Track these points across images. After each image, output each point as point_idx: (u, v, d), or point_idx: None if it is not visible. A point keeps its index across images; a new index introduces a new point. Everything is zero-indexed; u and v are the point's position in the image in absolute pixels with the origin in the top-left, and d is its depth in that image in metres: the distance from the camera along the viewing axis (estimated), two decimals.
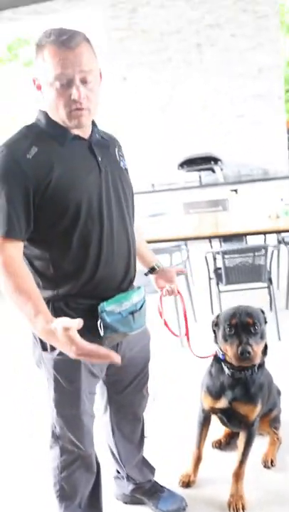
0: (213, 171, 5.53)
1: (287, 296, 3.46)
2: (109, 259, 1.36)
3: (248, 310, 1.70)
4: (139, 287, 1.47)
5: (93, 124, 1.41)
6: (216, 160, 5.48)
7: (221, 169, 5.54)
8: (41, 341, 1.37)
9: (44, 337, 1.18)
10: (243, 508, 1.75)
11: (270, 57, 5.61)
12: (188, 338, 1.75)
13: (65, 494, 1.52)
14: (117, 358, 1.15)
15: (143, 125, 5.95)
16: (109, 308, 1.34)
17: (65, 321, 1.12)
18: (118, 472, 1.80)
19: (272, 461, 1.97)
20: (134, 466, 1.76)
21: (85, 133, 1.37)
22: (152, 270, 1.69)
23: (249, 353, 1.61)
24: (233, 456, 1.87)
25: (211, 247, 4.03)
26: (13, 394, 2.80)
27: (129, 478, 1.77)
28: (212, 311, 3.46)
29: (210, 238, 3.70)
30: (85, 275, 1.34)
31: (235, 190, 4.52)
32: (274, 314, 3.03)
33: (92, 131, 1.39)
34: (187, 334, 1.75)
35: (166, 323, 1.74)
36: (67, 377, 1.39)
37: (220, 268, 3.14)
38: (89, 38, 1.31)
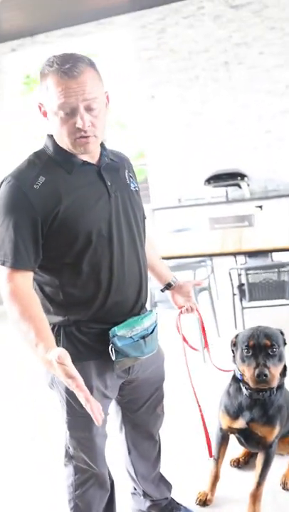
0: (240, 186, 5.53)
1: None
2: (120, 285, 1.36)
3: (266, 331, 1.68)
4: (150, 311, 1.47)
5: (102, 146, 1.39)
6: (242, 176, 5.47)
7: (248, 185, 5.53)
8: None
9: (44, 366, 1.17)
10: None
11: None
12: (208, 350, 1.75)
13: (79, 511, 1.54)
14: (98, 421, 1.11)
15: (171, 141, 6.03)
16: (121, 332, 1.34)
17: (59, 353, 1.10)
18: (135, 489, 1.80)
19: None
20: (150, 483, 1.76)
21: (93, 158, 1.36)
22: (168, 286, 1.68)
23: (266, 375, 1.59)
24: (251, 476, 1.84)
25: (236, 262, 4.01)
26: (23, 405, 2.86)
27: (145, 494, 1.77)
28: (235, 327, 3.43)
29: (234, 254, 3.69)
30: (95, 301, 1.34)
31: (260, 207, 4.50)
32: None
33: (100, 155, 1.37)
34: (207, 346, 1.74)
35: (184, 339, 1.72)
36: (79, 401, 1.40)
37: (244, 284, 3.13)
38: (94, 62, 1.30)
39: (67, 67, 1.21)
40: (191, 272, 3.20)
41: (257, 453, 1.85)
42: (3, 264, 1.25)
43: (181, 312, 1.68)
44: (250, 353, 1.65)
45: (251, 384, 1.65)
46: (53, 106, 1.24)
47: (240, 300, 3.17)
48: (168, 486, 1.82)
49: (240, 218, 4.37)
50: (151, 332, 1.43)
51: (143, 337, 1.39)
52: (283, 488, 1.93)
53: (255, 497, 1.78)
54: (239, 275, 3.30)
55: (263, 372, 1.59)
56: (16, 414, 2.72)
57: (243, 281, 3.12)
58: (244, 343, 1.67)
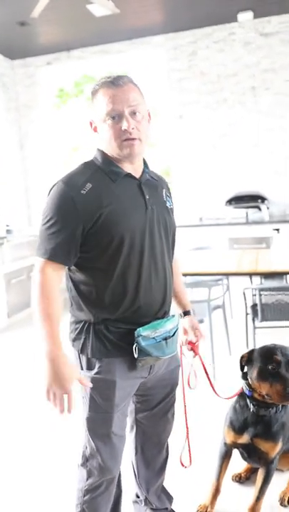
0: (260, 208, 5.61)
1: None
2: (147, 291, 1.45)
3: (287, 349, 1.73)
4: (173, 316, 1.56)
5: (145, 165, 1.52)
6: (262, 198, 5.56)
7: (267, 208, 5.60)
8: (80, 360, 1.48)
9: (45, 358, 1.33)
10: None
11: None
12: (212, 386, 1.81)
13: None
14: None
15: (196, 161, 6.16)
16: (145, 333, 1.43)
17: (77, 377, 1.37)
18: (137, 496, 1.85)
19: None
20: (153, 492, 1.81)
21: (136, 172, 1.48)
22: (185, 313, 1.76)
23: None
24: (251, 491, 1.90)
25: (251, 282, 4.08)
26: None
27: (147, 502, 1.82)
28: (247, 346, 3.49)
29: (250, 275, 3.76)
30: (123, 303, 1.43)
31: (278, 230, 4.57)
32: None
33: (142, 172, 1.50)
34: (211, 385, 1.81)
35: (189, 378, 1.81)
36: (103, 395, 1.46)
37: (257, 304, 3.20)
38: (136, 82, 1.46)
39: (114, 78, 1.40)
40: (206, 289, 3.28)
41: (258, 468, 1.91)
42: (41, 257, 1.38)
43: (183, 344, 1.75)
44: (275, 369, 1.67)
45: (278, 400, 1.67)
46: (102, 114, 1.40)
47: (253, 320, 3.23)
48: (169, 497, 1.87)
49: (258, 240, 4.45)
50: (173, 335, 1.52)
51: (165, 338, 1.48)
52: (281, 504, 1.98)
53: (254, 511, 1.84)
54: (253, 295, 3.36)
55: None
56: (29, 415, 2.82)
57: (257, 301, 3.19)
58: (268, 359, 1.69)
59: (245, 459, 1.96)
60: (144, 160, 1.53)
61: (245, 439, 1.83)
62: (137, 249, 1.42)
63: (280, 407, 1.79)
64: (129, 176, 1.46)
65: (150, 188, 1.50)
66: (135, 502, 1.88)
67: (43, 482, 2.25)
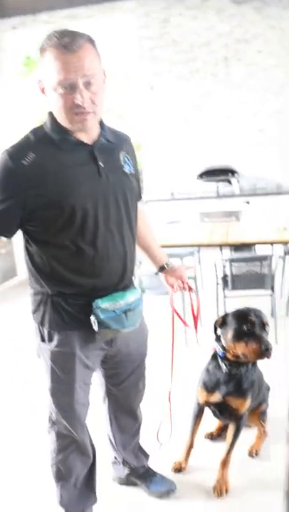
0: (230, 182, 5.70)
1: (288, 304, 3.65)
2: (105, 263, 1.41)
3: (260, 312, 1.85)
4: (135, 288, 1.54)
5: (101, 126, 1.41)
6: (233, 172, 5.65)
7: (238, 181, 5.70)
8: (40, 332, 1.48)
9: None
10: (227, 491, 1.93)
11: None
12: (196, 327, 1.87)
13: (60, 475, 1.65)
14: None
15: (167, 134, 6.12)
16: (104, 305, 1.41)
17: None
18: (115, 458, 1.95)
19: (256, 452, 2.14)
20: (130, 452, 1.91)
21: (89, 137, 1.38)
22: (162, 269, 1.79)
23: (271, 348, 1.74)
24: (222, 447, 2.03)
25: (222, 254, 4.20)
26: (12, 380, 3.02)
27: (125, 463, 1.92)
28: (217, 314, 3.62)
29: (220, 246, 3.87)
30: (80, 277, 1.40)
31: (248, 202, 4.69)
32: (274, 320, 3.20)
33: (99, 135, 1.40)
34: (196, 323, 1.86)
35: (178, 315, 1.84)
36: (63, 368, 1.48)
37: (227, 275, 3.32)
38: (93, 39, 1.28)
39: (67, 41, 1.22)
40: (178, 260, 3.36)
41: (228, 426, 2.04)
42: None
43: (174, 290, 1.79)
44: (250, 330, 1.78)
45: (252, 358, 1.78)
46: (52, 81, 1.25)
47: (223, 289, 3.36)
48: (146, 455, 1.98)
49: (228, 213, 4.55)
50: (134, 308, 1.49)
51: (125, 311, 1.45)
52: (250, 455, 2.15)
53: (225, 463, 1.98)
54: (224, 267, 3.48)
55: (269, 345, 1.74)
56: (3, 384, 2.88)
57: (227, 272, 3.31)
58: (243, 320, 1.80)
59: (217, 416, 2.10)
60: (101, 121, 1.42)
61: (217, 397, 1.96)
62: (91, 220, 1.37)
63: (250, 366, 1.93)
64: (81, 143, 1.36)
65: (105, 154, 1.40)
66: (114, 463, 1.99)
67: (18, 446, 2.34)
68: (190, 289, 1.81)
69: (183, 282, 1.78)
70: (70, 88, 1.25)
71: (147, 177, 6.23)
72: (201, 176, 5.73)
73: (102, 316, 1.40)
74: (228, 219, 4.40)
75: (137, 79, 6.17)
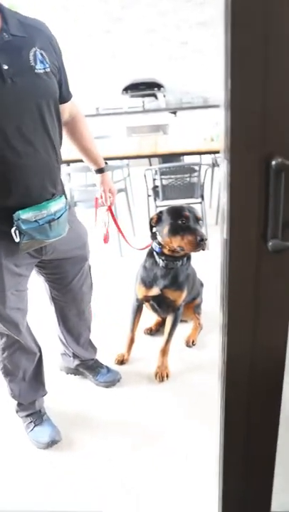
0: (156, 97, 5.58)
1: (217, 213, 3.82)
2: (22, 175, 1.34)
3: (193, 208, 1.91)
4: (60, 196, 1.48)
5: (3, 19, 1.25)
6: (159, 86, 5.51)
7: (164, 95, 5.59)
8: None
9: None
10: (168, 376, 2.08)
11: None
12: (124, 238, 1.98)
13: (8, 370, 1.71)
14: None
15: (89, 48, 5.76)
16: (25, 216, 1.36)
17: None
18: (65, 351, 2.02)
19: (193, 341, 2.31)
20: (80, 347, 1.99)
21: None
22: (100, 171, 1.82)
23: (206, 239, 1.82)
24: (161, 341, 2.17)
25: (150, 165, 4.20)
26: None
27: (75, 355, 2.01)
28: None
29: (149, 157, 3.85)
30: None
31: (174, 113, 4.65)
32: (205, 228, 3.33)
33: (0, 30, 1.23)
34: (124, 237, 1.98)
35: (112, 215, 1.98)
36: None
37: (158, 186, 3.35)
38: None
39: None
40: (109, 173, 3.31)
41: (165, 322, 2.17)
42: None
43: (101, 198, 1.93)
44: (185, 224, 1.84)
45: (190, 249, 1.85)
46: None
47: (154, 200, 3.39)
48: (94, 349, 2.07)
49: (155, 127, 4.50)
50: (58, 218, 1.46)
51: (49, 222, 1.42)
52: (187, 345, 2.31)
53: (164, 351, 2.12)
54: (154, 179, 3.50)
55: (204, 236, 1.81)
56: None
57: (157, 183, 3.33)
58: (178, 215, 1.86)
59: (155, 310, 2.21)
60: (3, 10, 1.26)
61: (155, 291, 2.05)
62: None
63: (184, 260, 2.01)
64: None
65: (11, 54, 1.25)
66: (63, 354, 2.06)
67: None
68: (110, 208, 1.95)
69: (110, 195, 1.89)
70: None
71: (71, 91, 5.87)
72: (126, 90, 5.54)
73: (24, 227, 1.37)
74: (156, 133, 4.35)
75: None
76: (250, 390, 0.95)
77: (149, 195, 3.55)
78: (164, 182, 3.31)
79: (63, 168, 3.34)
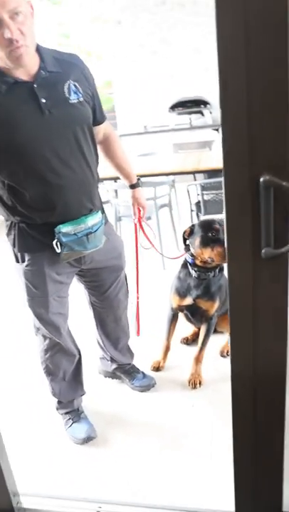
0: (202, 113, 5.70)
1: None
2: (62, 195, 1.49)
3: (223, 221, 1.99)
4: (96, 212, 1.62)
5: (42, 57, 1.40)
6: (205, 103, 5.63)
7: (210, 112, 5.70)
8: (14, 254, 1.62)
9: None
10: (200, 384, 2.15)
11: None
12: (151, 243, 2.16)
13: (49, 370, 1.85)
14: None
15: (137, 69, 6.02)
16: (65, 230, 1.53)
17: None
18: (103, 355, 2.15)
19: (227, 352, 2.36)
20: (118, 352, 2.11)
21: (29, 72, 1.38)
22: (133, 186, 1.96)
23: None
24: (196, 349, 2.24)
25: (195, 180, 4.30)
26: None
27: (112, 360, 2.13)
28: None
29: (193, 173, 3.96)
30: (37, 209, 1.50)
31: (217, 129, 4.73)
32: None
33: (39, 68, 1.39)
34: (149, 241, 2.16)
35: (143, 231, 2.14)
36: (34, 284, 1.63)
37: (200, 201, 3.45)
38: None
39: None
40: (152, 188, 3.45)
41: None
42: None
43: (134, 216, 2.11)
44: (215, 236, 1.96)
45: (219, 260, 1.95)
46: None
47: (197, 215, 3.50)
48: (131, 354, 2.18)
49: (202, 144, 4.59)
50: (95, 231, 1.61)
51: (87, 234, 1.58)
52: (221, 355, 2.37)
53: (198, 359, 2.20)
54: (198, 194, 3.60)
55: None
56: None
57: (200, 198, 3.44)
58: (209, 228, 1.97)
59: (189, 319, 2.30)
60: (40, 50, 1.41)
61: (188, 301, 2.14)
62: (39, 158, 1.42)
63: (217, 271, 2.09)
64: (19, 82, 1.37)
65: (48, 88, 1.40)
66: (102, 358, 2.19)
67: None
68: (139, 220, 2.13)
69: (139, 211, 2.05)
70: None
71: (120, 113, 6.16)
72: (173, 108, 5.72)
73: (64, 240, 1.53)
74: (202, 149, 4.45)
75: (104, 15, 5.94)
76: (255, 397, 1.03)
77: (192, 210, 3.66)
78: (206, 197, 3.41)
79: (110, 184, 3.54)
